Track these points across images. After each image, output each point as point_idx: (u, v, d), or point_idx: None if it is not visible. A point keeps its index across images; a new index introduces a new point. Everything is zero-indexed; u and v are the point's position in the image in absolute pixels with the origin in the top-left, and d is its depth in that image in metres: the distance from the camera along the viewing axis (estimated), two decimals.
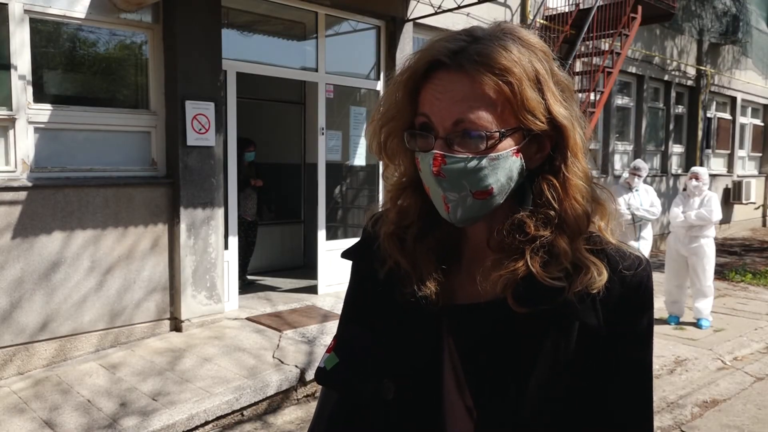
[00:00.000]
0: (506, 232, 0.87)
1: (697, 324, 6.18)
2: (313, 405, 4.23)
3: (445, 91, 0.83)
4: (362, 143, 6.91)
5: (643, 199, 6.41)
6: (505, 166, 0.85)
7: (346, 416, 0.90)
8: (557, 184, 0.87)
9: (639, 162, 6.63)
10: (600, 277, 0.85)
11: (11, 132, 4.42)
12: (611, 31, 8.07)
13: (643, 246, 6.43)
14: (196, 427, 3.75)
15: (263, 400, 4.10)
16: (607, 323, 0.87)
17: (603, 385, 0.89)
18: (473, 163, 0.83)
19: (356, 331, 0.95)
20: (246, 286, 6.65)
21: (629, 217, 6.24)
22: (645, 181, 6.67)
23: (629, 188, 6.42)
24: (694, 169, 6.35)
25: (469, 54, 0.82)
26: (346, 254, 1.06)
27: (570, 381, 0.88)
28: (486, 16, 7.17)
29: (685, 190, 6.37)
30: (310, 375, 4.33)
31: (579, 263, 0.86)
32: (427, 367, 0.92)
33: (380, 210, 1.03)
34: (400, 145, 0.91)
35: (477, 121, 0.82)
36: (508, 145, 0.84)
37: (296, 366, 4.39)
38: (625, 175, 6.63)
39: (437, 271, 0.92)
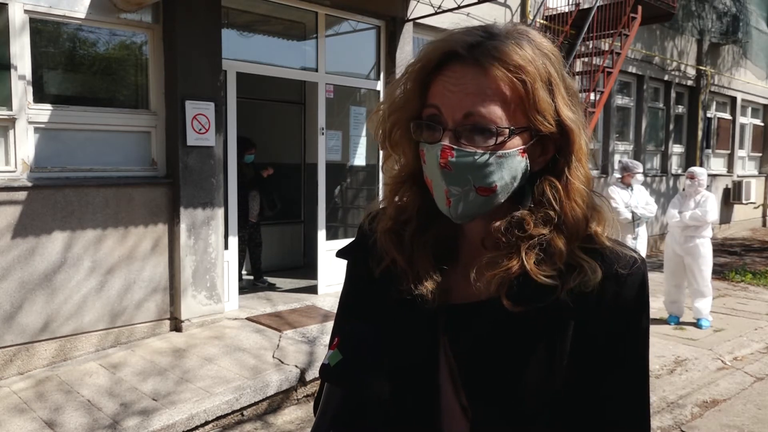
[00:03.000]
0: (504, 229, 0.87)
1: (697, 324, 6.18)
2: (313, 405, 4.23)
3: (458, 83, 0.83)
4: (362, 143, 6.92)
5: (639, 197, 6.43)
6: (511, 164, 0.85)
7: (350, 414, 0.90)
8: (559, 186, 0.87)
9: (633, 161, 6.63)
10: (594, 275, 0.85)
11: (11, 132, 4.42)
12: (611, 31, 8.07)
13: (640, 244, 6.44)
14: (196, 427, 3.76)
15: (263, 400, 4.10)
16: (603, 322, 0.87)
17: (599, 384, 0.89)
18: (481, 159, 0.83)
19: (359, 327, 0.95)
20: (251, 286, 6.66)
21: (629, 215, 6.25)
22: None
23: (626, 188, 6.43)
24: (692, 169, 6.37)
25: (486, 48, 0.82)
26: (341, 253, 1.06)
27: (566, 380, 0.88)
28: (486, 16, 7.17)
29: (684, 190, 6.39)
30: (311, 375, 4.33)
31: (573, 262, 0.86)
32: (423, 366, 0.92)
33: (377, 208, 1.03)
34: (405, 135, 0.91)
35: (488, 115, 0.82)
36: (515, 144, 0.84)
37: (296, 366, 4.39)
38: (617, 174, 6.63)
39: (434, 269, 0.92)
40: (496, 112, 0.82)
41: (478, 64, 0.82)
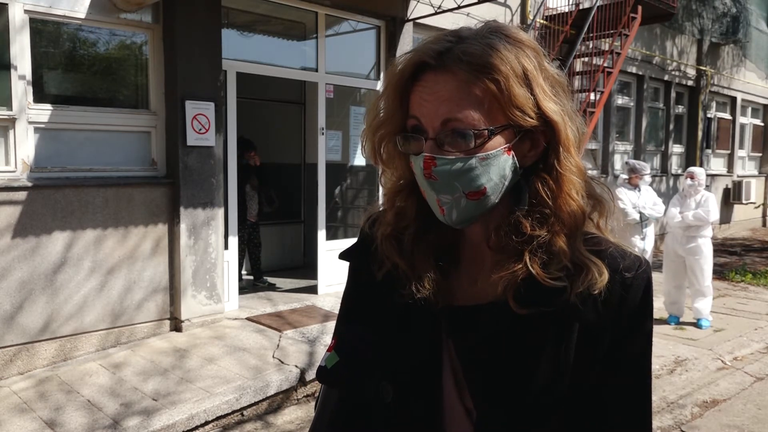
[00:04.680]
0: (504, 233, 0.87)
1: (697, 324, 6.18)
2: (313, 405, 4.24)
3: (432, 92, 0.83)
4: None
5: (646, 198, 6.44)
6: (496, 164, 0.84)
7: (347, 415, 0.90)
8: (551, 181, 0.87)
9: (640, 163, 6.63)
10: (601, 277, 0.85)
11: (11, 132, 4.42)
12: (611, 31, 8.07)
13: (648, 244, 6.44)
14: (197, 427, 3.76)
15: (263, 400, 4.10)
16: (608, 324, 0.87)
17: (602, 385, 0.89)
18: (462, 163, 0.83)
19: (357, 329, 0.95)
20: (251, 286, 6.66)
21: (637, 216, 6.26)
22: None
23: (633, 189, 6.43)
24: (691, 169, 6.38)
25: (455, 54, 0.82)
26: (343, 255, 1.06)
27: (570, 382, 0.87)
28: (486, 16, 7.17)
29: (683, 190, 6.40)
30: (311, 375, 4.33)
31: (579, 263, 0.86)
32: (427, 369, 0.91)
33: (377, 211, 1.03)
34: (394, 149, 0.91)
35: (464, 119, 0.82)
36: (498, 144, 0.84)
37: (296, 366, 4.39)
38: (624, 175, 6.64)
39: (435, 272, 0.91)
40: (472, 115, 0.82)
41: (448, 70, 0.82)
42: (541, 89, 0.84)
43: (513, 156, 0.86)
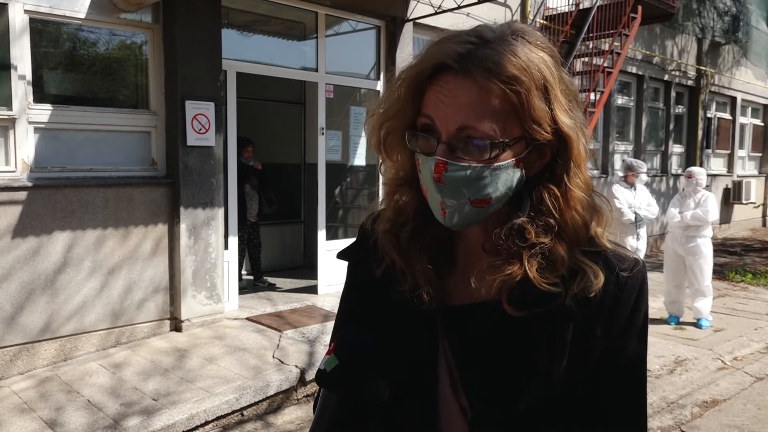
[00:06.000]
0: (504, 237, 0.86)
1: (697, 324, 6.18)
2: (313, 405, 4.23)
3: (450, 95, 0.82)
4: (362, 143, 6.92)
5: (642, 198, 6.42)
6: (506, 176, 0.84)
7: (346, 418, 0.90)
8: (558, 194, 0.86)
9: (637, 161, 6.62)
10: (596, 280, 0.85)
11: (11, 132, 4.42)
12: (611, 31, 8.07)
13: (641, 244, 6.44)
14: (197, 427, 3.76)
15: (263, 399, 4.11)
16: (603, 324, 0.87)
17: (597, 386, 0.89)
18: (476, 172, 0.82)
19: (356, 332, 0.95)
20: (251, 286, 6.66)
21: (632, 217, 6.25)
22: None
23: (629, 187, 6.42)
24: (690, 168, 6.37)
25: (478, 59, 0.81)
26: (342, 255, 1.06)
27: (564, 382, 0.88)
28: (486, 16, 7.17)
29: (683, 190, 6.40)
30: (311, 375, 4.33)
31: (575, 267, 0.86)
32: (423, 368, 0.91)
33: (379, 209, 1.02)
34: (400, 142, 0.90)
35: (482, 129, 0.81)
36: (510, 155, 0.83)
37: (296, 366, 4.39)
38: (621, 173, 6.62)
39: (431, 271, 0.92)
40: (489, 125, 0.81)
41: (470, 76, 0.80)
42: (559, 103, 0.83)
43: (522, 168, 0.85)
